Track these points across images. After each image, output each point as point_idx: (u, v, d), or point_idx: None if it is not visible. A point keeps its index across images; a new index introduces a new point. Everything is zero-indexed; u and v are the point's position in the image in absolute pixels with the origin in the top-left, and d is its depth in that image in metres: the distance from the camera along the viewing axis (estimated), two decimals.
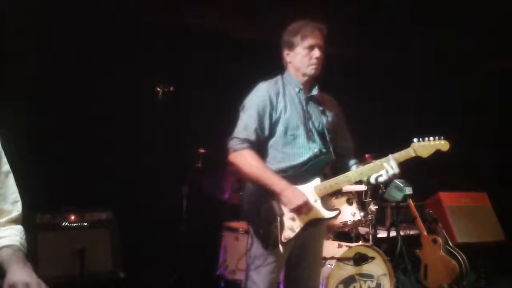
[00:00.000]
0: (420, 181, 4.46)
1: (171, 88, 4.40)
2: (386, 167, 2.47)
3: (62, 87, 4.47)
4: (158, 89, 4.39)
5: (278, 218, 2.42)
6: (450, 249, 4.50)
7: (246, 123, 2.54)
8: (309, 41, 2.57)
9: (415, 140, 2.54)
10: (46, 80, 4.39)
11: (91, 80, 4.59)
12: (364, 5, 4.81)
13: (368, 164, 2.54)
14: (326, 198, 2.60)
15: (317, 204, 2.49)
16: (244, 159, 2.49)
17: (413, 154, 2.53)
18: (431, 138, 2.54)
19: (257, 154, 2.52)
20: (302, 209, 2.42)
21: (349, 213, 4.08)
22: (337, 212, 2.53)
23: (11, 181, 1.66)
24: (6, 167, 1.65)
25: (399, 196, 4.32)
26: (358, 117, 5.66)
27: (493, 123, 6.19)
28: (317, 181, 2.51)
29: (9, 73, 4.19)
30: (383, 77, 6.02)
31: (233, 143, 2.53)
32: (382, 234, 4.81)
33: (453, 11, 4.91)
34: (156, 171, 4.48)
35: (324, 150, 2.60)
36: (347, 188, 4.22)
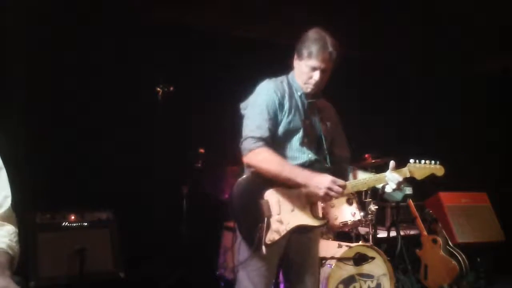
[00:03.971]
0: (420, 181, 4.46)
1: (171, 88, 4.41)
2: (390, 178, 2.46)
3: (62, 87, 4.47)
4: (158, 89, 4.40)
5: (265, 219, 2.37)
6: (450, 249, 4.50)
7: (259, 121, 2.46)
8: (312, 62, 2.49)
9: (411, 161, 2.53)
10: (46, 80, 4.39)
11: (91, 80, 4.59)
12: (364, 5, 4.81)
13: (363, 179, 2.52)
14: (315, 206, 2.51)
15: (306, 211, 2.46)
16: (262, 157, 2.41)
17: (408, 175, 2.52)
18: (427, 162, 2.54)
19: (274, 150, 2.43)
20: (333, 189, 2.34)
21: (349, 213, 4.07)
22: (325, 221, 2.53)
23: (3, 176, 1.66)
24: None
25: (399, 196, 4.33)
26: (357, 117, 5.72)
27: (493, 123, 6.19)
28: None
29: (9, 73, 4.20)
30: (383, 77, 6.02)
31: (247, 144, 2.43)
32: (382, 234, 4.81)
33: (454, 11, 4.91)
34: (156, 171, 4.48)
35: (318, 158, 2.56)
36: None
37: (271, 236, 2.38)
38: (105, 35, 4.63)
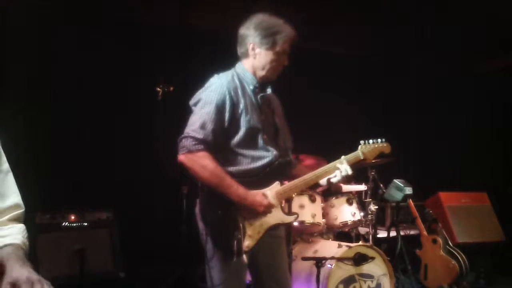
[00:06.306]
0: (420, 181, 4.46)
1: (171, 88, 4.40)
2: (340, 168, 2.45)
3: (62, 87, 4.47)
4: (158, 89, 4.39)
5: (241, 226, 2.31)
6: (450, 249, 4.50)
7: (204, 121, 2.33)
8: (284, 47, 2.44)
9: (361, 142, 2.54)
10: (46, 80, 4.40)
11: (91, 80, 4.60)
12: (364, 5, 4.81)
13: (323, 167, 2.50)
14: (286, 202, 2.48)
15: (278, 209, 2.42)
16: (201, 163, 2.30)
17: (361, 157, 2.52)
18: (375, 141, 2.54)
19: (214, 157, 2.33)
20: (266, 211, 2.36)
21: (349, 213, 4.08)
22: (296, 215, 2.47)
23: (11, 180, 1.66)
24: (6, 165, 1.65)
25: (399, 196, 4.32)
26: (358, 117, 5.72)
27: (493, 123, 6.19)
28: (276, 185, 2.43)
29: (9, 73, 4.20)
30: (383, 77, 6.02)
31: (188, 142, 2.31)
32: (382, 234, 4.81)
33: (453, 11, 4.91)
34: (156, 171, 4.48)
35: (280, 153, 2.48)
36: (347, 188, 4.22)
37: (247, 243, 2.32)
38: (105, 35, 4.63)
